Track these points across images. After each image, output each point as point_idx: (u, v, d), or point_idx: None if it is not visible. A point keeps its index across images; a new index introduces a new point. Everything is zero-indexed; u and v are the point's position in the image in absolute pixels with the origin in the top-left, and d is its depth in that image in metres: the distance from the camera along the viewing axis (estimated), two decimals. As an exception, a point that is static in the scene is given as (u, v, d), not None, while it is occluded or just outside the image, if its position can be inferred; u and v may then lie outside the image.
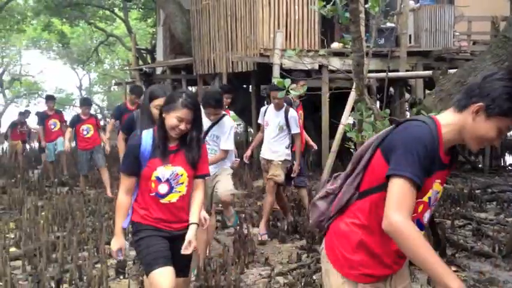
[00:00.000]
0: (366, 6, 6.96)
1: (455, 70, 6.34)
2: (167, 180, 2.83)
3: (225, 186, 4.74)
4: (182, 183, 2.86)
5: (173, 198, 2.86)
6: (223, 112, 4.80)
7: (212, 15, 11.61)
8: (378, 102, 14.76)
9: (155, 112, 3.31)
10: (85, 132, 8.67)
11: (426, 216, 2.03)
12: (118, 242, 2.94)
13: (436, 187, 1.98)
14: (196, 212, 2.95)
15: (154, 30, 19.64)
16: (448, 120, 1.93)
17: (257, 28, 10.34)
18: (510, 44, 5.35)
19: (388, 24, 10.97)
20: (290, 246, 5.68)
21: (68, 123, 9.74)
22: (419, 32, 11.53)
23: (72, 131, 8.71)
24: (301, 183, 6.55)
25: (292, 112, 5.87)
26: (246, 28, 10.72)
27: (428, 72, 7.17)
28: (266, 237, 5.83)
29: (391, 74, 8.69)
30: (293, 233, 6.06)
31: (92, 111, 11.86)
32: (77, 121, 8.77)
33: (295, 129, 5.86)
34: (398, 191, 1.80)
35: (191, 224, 2.89)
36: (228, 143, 4.67)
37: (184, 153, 2.87)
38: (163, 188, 2.83)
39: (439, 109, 5.01)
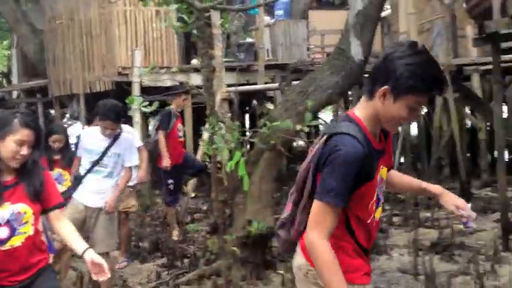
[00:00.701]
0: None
1: (299, 81, 6.72)
2: (8, 222, 2.41)
3: (103, 237, 4.27)
4: (26, 222, 2.45)
5: (17, 242, 2.44)
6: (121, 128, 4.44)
7: (67, 35, 11.16)
8: (247, 115, 15.27)
9: None
10: None
11: (380, 202, 2.05)
12: None
13: (381, 173, 2.00)
14: (80, 239, 2.58)
15: (10, 52, 18.37)
16: (365, 112, 1.93)
17: (114, 46, 10.14)
18: (344, 55, 5.78)
19: (249, 40, 11.41)
20: (151, 265, 5.60)
21: None
22: (276, 46, 12.07)
23: None
24: (171, 203, 6.46)
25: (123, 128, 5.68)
26: (102, 47, 10.46)
27: (275, 85, 7.53)
28: (125, 264, 5.63)
29: (243, 88, 9.03)
30: (154, 251, 5.98)
31: None
32: None
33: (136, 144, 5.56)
34: (318, 212, 1.86)
35: (86, 250, 2.47)
36: (132, 159, 4.42)
37: (25, 186, 2.46)
38: (2, 232, 2.41)
39: (284, 118, 5.28)
